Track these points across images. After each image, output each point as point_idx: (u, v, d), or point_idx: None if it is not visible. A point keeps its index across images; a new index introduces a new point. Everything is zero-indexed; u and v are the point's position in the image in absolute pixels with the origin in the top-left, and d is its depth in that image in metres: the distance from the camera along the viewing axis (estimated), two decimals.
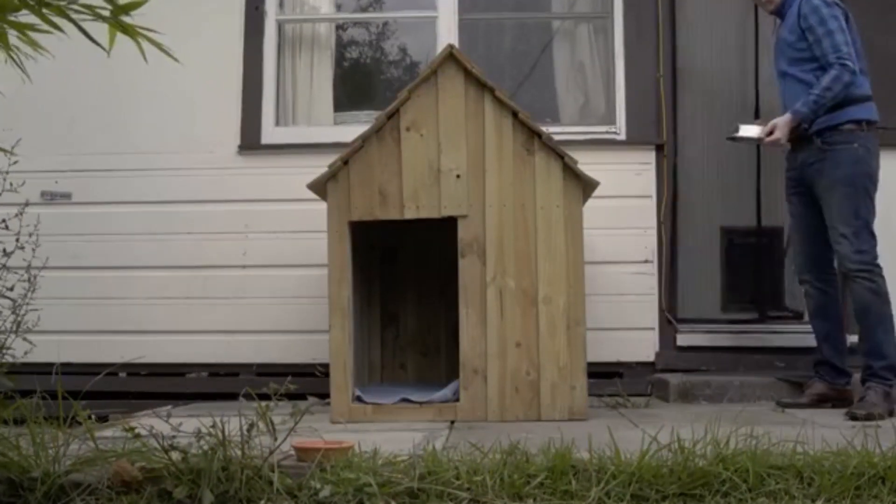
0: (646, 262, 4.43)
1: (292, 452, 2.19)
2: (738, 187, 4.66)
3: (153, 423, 2.15)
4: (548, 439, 2.34)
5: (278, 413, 2.15)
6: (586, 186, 3.55)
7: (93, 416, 2.33)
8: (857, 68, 3.61)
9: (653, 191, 4.46)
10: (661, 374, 4.28)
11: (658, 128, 4.49)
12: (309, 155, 4.31)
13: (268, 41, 4.63)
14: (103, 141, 4.52)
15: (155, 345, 4.36)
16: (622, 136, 4.53)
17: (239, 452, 2.06)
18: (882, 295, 3.57)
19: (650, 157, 4.49)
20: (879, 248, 4.55)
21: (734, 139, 3.88)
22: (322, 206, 3.62)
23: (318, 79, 4.79)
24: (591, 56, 4.76)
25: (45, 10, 1.91)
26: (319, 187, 3.58)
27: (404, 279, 4.35)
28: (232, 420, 2.09)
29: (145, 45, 2.04)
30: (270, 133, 4.59)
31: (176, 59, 2.13)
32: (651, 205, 4.46)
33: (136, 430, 2.13)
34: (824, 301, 3.79)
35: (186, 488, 2.00)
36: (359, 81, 5.26)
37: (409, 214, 3.52)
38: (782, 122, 3.69)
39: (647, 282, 4.42)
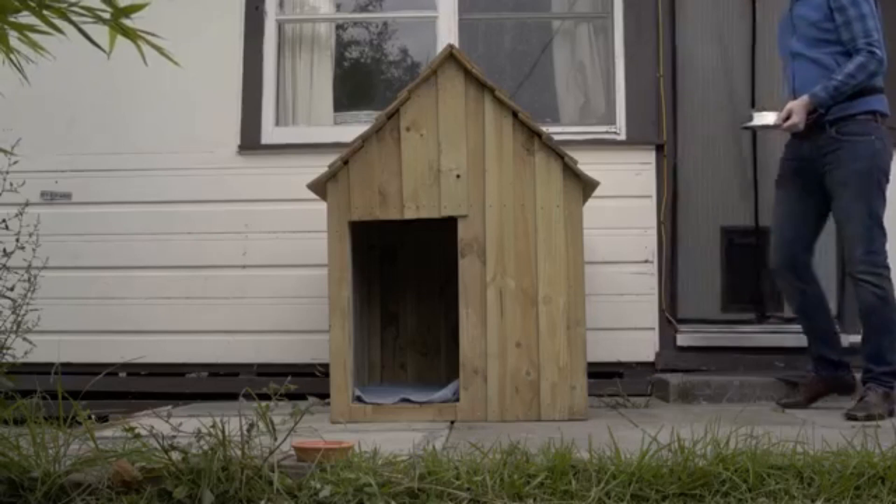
0: (646, 262, 4.43)
1: (292, 452, 2.19)
2: (738, 187, 4.66)
3: (153, 423, 2.15)
4: (548, 439, 2.34)
5: (278, 413, 2.15)
6: (586, 186, 3.55)
7: (93, 416, 2.33)
8: (884, 57, 3.46)
9: (653, 191, 4.46)
10: (661, 374, 4.28)
11: (658, 128, 4.49)
12: (309, 155, 4.31)
13: (268, 41, 4.63)
14: (103, 141, 4.52)
15: (155, 345, 4.36)
16: (622, 136, 4.53)
17: (239, 452, 2.06)
18: (889, 301, 3.47)
19: (650, 157, 4.49)
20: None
21: (749, 128, 3.80)
22: (322, 206, 3.62)
23: (318, 79, 4.79)
24: (591, 56, 4.76)
25: (45, 12, 1.91)
26: (319, 187, 3.58)
27: (404, 279, 4.35)
28: (232, 420, 2.09)
29: (145, 47, 2.04)
30: (270, 133, 4.59)
31: (176, 63, 2.13)
32: (651, 205, 4.46)
33: (136, 430, 2.13)
34: (804, 301, 3.69)
35: (186, 488, 2.00)
36: (359, 81, 5.26)
37: (409, 214, 3.52)
38: (799, 107, 3.50)
39: (646, 282, 4.42)
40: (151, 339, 4.39)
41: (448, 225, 3.55)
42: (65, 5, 1.91)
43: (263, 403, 2.12)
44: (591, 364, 3.56)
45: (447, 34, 4.56)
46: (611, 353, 4.30)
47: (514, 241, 3.49)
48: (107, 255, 4.48)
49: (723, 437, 2.22)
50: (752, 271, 4.69)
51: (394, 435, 2.93)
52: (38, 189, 4.37)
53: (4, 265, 3.20)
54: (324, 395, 3.55)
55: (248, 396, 2.43)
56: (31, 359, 3.23)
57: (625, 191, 4.38)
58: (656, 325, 4.43)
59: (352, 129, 4.22)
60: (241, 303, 4.44)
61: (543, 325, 3.45)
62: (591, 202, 3.69)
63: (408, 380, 4.27)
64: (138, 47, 2.03)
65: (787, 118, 3.50)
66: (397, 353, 4.36)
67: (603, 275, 4.31)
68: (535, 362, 3.44)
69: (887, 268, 3.48)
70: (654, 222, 4.45)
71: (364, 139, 3.53)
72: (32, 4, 1.89)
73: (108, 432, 2.57)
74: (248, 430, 2.08)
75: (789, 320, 4.53)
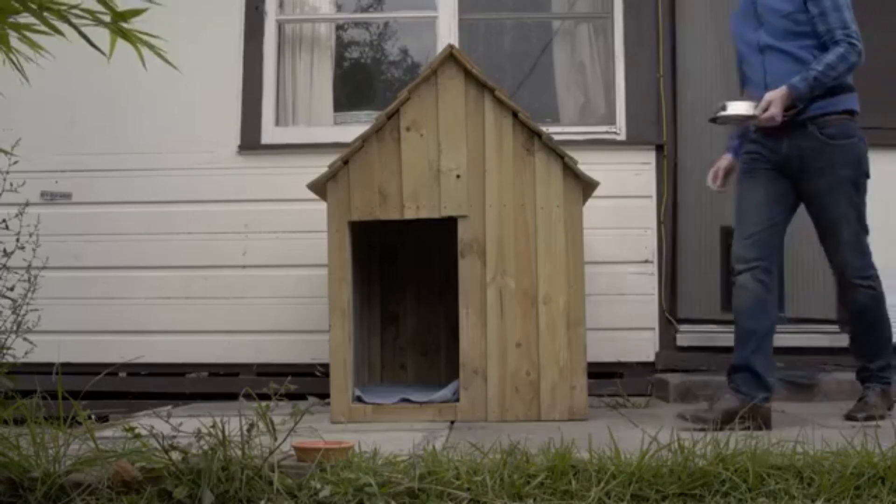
0: (646, 262, 4.43)
1: (292, 452, 2.19)
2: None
3: (153, 423, 2.15)
4: (548, 439, 2.34)
5: (278, 413, 2.15)
6: (586, 186, 3.55)
7: (93, 416, 2.33)
8: (863, 49, 3.28)
9: (653, 191, 4.47)
10: (661, 374, 4.28)
11: (658, 128, 4.50)
12: (309, 155, 4.31)
13: (268, 41, 4.63)
14: (103, 141, 4.52)
15: (155, 345, 4.36)
16: (622, 136, 4.53)
17: (239, 452, 2.06)
18: (881, 299, 3.44)
19: (650, 157, 4.49)
20: (879, 249, 4.55)
21: (720, 119, 3.42)
22: (322, 206, 3.62)
23: (318, 79, 4.79)
24: (591, 56, 4.76)
25: (45, 14, 1.91)
26: (319, 187, 3.58)
27: (404, 279, 4.35)
28: (232, 420, 2.09)
29: (145, 52, 2.04)
30: (270, 133, 4.59)
31: (175, 67, 2.13)
32: (651, 205, 4.46)
33: (136, 430, 2.13)
34: (763, 297, 3.29)
35: (186, 488, 2.00)
36: (359, 81, 5.26)
37: (409, 214, 3.52)
38: (778, 97, 3.23)
39: (647, 282, 4.42)
40: (151, 339, 4.39)
41: (448, 225, 3.55)
42: (64, 7, 1.91)
43: (263, 403, 2.12)
44: (591, 364, 3.56)
45: (447, 34, 4.56)
46: (611, 354, 4.29)
47: (514, 242, 3.49)
48: (107, 255, 4.48)
49: (723, 437, 2.22)
50: None
51: (394, 435, 2.93)
52: (38, 189, 4.37)
53: (4, 265, 3.20)
54: (324, 395, 3.55)
55: (248, 396, 2.43)
56: (32, 359, 3.23)
57: (625, 191, 4.39)
58: (656, 325, 4.43)
59: (352, 129, 4.22)
60: (241, 303, 4.44)
61: (543, 325, 3.45)
62: (591, 202, 3.69)
63: (408, 380, 4.27)
64: (138, 50, 2.03)
65: (766, 109, 3.24)
66: (397, 353, 4.36)
67: (603, 275, 4.31)
68: (535, 362, 3.44)
69: (875, 269, 3.45)
70: (654, 222, 4.45)
71: (364, 139, 3.53)
72: (33, 6, 1.90)
73: (108, 432, 2.57)
74: (248, 430, 2.08)
75: (789, 320, 4.53)
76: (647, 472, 2.06)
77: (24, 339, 3.18)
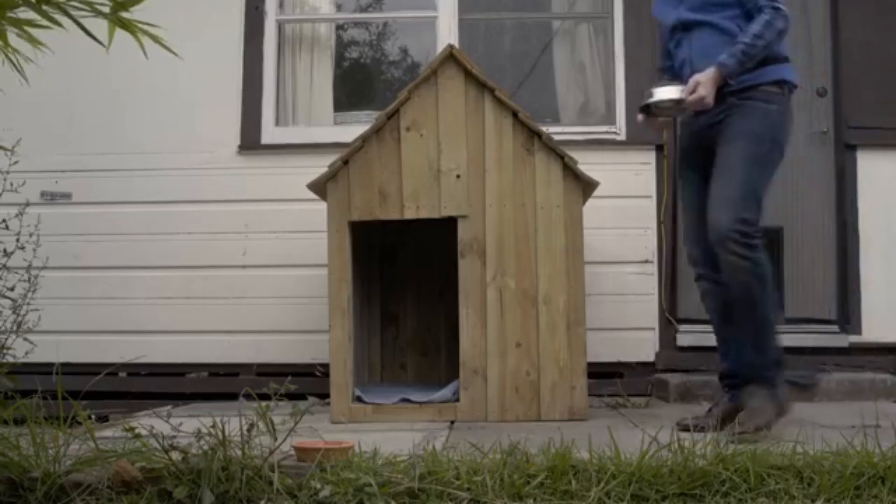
0: (646, 262, 4.43)
1: (292, 452, 2.19)
2: None
3: (153, 423, 2.15)
4: (548, 439, 2.34)
5: (278, 413, 2.15)
6: (586, 186, 3.55)
7: (93, 416, 2.33)
8: (788, 14, 3.01)
9: (653, 191, 4.46)
10: (661, 374, 4.28)
11: None
12: (309, 155, 4.31)
13: (268, 41, 4.63)
14: (103, 141, 4.52)
15: (155, 345, 4.36)
16: (622, 136, 4.53)
17: (239, 452, 2.06)
18: (762, 277, 2.94)
19: (650, 157, 4.48)
20: (879, 250, 4.56)
21: (649, 108, 3.18)
22: (322, 206, 3.62)
23: (318, 79, 4.79)
24: (591, 56, 4.76)
25: (44, 7, 1.91)
26: (319, 187, 3.58)
27: (404, 279, 4.35)
28: (232, 420, 2.09)
29: (146, 43, 2.04)
30: (270, 133, 4.59)
31: (176, 54, 2.13)
32: (651, 205, 4.46)
33: (136, 430, 2.13)
34: (726, 298, 3.11)
35: (186, 488, 2.00)
36: (359, 81, 5.26)
37: (409, 214, 3.52)
38: (706, 77, 3.00)
39: (647, 282, 4.42)
40: (151, 339, 4.39)
41: (448, 225, 3.55)
42: (63, 0, 1.91)
43: (263, 403, 2.12)
44: (591, 364, 3.56)
45: (447, 34, 4.56)
46: (611, 354, 4.29)
47: (514, 241, 3.49)
48: (107, 255, 4.48)
49: (723, 437, 2.22)
50: None
51: (394, 435, 2.93)
52: (39, 189, 4.37)
53: (4, 265, 3.20)
54: (324, 395, 3.55)
55: (248, 396, 2.43)
56: (32, 359, 3.23)
57: (625, 191, 4.38)
58: (656, 325, 4.43)
59: (352, 129, 4.22)
60: (241, 303, 4.44)
61: (543, 325, 3.45)
62: (591, 202, 3.69)
63: (408, 380, 4.27)
64: (138, 39, 2.03)
65: (693, 92, 3.01)
66: (397, 353, 4.36)
67: (603, 275, 4.31)
68: (535, 362, 3.44)
69: (759, 239, 2.97)
70: (654, 222, 4.45)
71: (364, 139, 3.53)
72: (32, 0, 1.90)
73: (108, 432, 2.57)
74: (248, 430, 2.08)
75: (789, 320, 4.53)
76: (647, 472, 2.06)
77: (25, 339, 3.18)
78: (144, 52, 2.08)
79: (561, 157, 3.50)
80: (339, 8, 5.03)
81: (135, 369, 4.27)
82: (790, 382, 3.96)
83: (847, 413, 3.36)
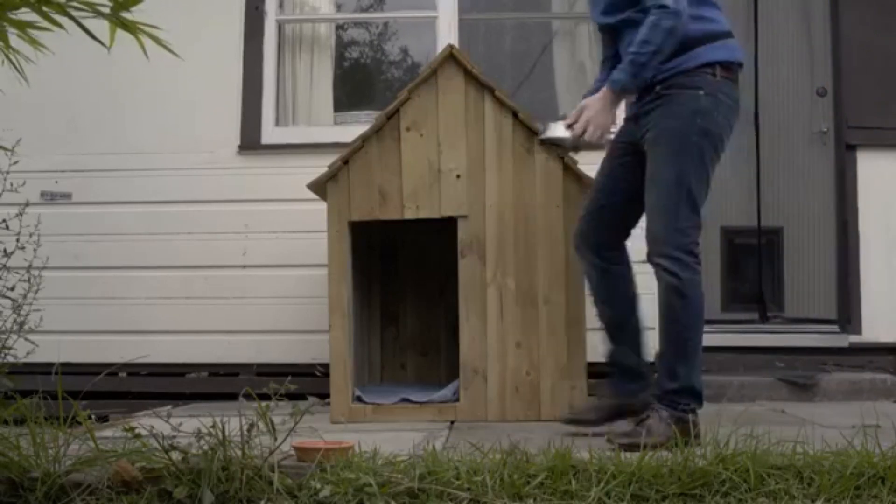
0: (644, 261, 4.41)
1: (292, 452, 2.19)
2: (738, 187, 4.67)
3: (153, 423, 2.15)
4: (548, 439, 2.34)
5: (278, 413, 2.15)
6: (586, 186, 3.54)
7: (93, 416, 2.33)
8: (681, 6, 2.71)
9: None
10: None
11: None
12: (309, 155, 4.30)
13: (268, 41, 4.62)
14: (103, 141, 4.52)
15: (155, 345, 4.35)
16: None
17: (239, 452, 2.06)
18: (688, 296, 2.74)
19: None
20: (879, 250, 4.56)
21: (546, 143, 3.09)
22: (322, 206, 3.62)
23: (318, 79, 4.79)
24: (591, 56, 4.76)
25: (45, 8, 1.91)
26: (319, 187, 3.58)
27: (404, 279, 4.35)
28: (232, 420, 2.09)
29: (146, 43, 2.05)
30: (270, 133, 4.59)
31: (176, 55, 2.13)
32: None
33: (136, 430, 2.13)
34: (605, 281, 3.01)
35: (186, 488, 2.00)
36: (359, 81, 5.26)
37: (409, 215, 3.52)
38: (594, 100, 2.82)
39: (646, 282, 4.40)
40: (152, 339, 4.39)
41: (448, 225, 3.55)
42: (64, 0, 1.91)
43: (263, 403, 2.12)
44: (590, 364, 3.56)
45: (447, 34, 4.55)
46: None
47: (513, 241, 3.49)
48: (107, 255, 4.48)
49: (723, 437, 2.22)
50: (752, 271, 4.69)
51: (394, 435, 2.93)
52: (39, 189, 4.37)
53: (5, 265, 3.20)
54: (324, 395, 3.55)
55: (248, 396, 2.43)
56: (32, 359, 3.23)
57: None
58: (656, 324, 4.41)
59: (352, 129, 4.22)
60: (241, 303, 4.44)
61: (543, 325, 3.45)
62: None
63: (408, 380, 4.27)
64: (139, 40, 2.03)
65: (581, 122, 2.84)
66: (397, 353, 4.36)
67: None
68: (535, 362, 3.44)
69: (693, 255, 2.75)
70: None
71: (364, 139, 3.53)
72: (33, 0, 1.90)
73: (108, 432, 2.57)
74: (248, 430, 2.08)
75: (790, 321, 4.54)
76: (647, 471, 2.06)
77: (26, 340, 3.18)
78: (145, 53, 2.08)
79: (561, 157, 3.50)
80: (339, 8, 5.03)
81: (135, 369, 4.27)
82: (790, 382, 3.98)
83: (847, 413, 3.35)
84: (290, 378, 2.25)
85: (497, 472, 2.06)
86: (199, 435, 2.06)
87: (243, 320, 4.42)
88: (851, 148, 4.54)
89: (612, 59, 3.08)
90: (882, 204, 4.51)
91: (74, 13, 1.92)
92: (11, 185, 3.26)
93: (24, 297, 3.23)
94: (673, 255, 2.73)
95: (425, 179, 3.52)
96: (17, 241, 3.29)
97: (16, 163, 3.17)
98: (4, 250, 3.21)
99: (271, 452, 2.09)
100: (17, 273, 3.27)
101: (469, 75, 3.54)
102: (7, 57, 2.09)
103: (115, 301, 4.45)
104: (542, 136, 3.03)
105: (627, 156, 2.93)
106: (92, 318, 4.42)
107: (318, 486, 2.01)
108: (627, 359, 3.03)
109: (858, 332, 4.46)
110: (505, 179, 3.51)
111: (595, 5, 3.04)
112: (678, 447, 2.19)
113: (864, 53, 4.54)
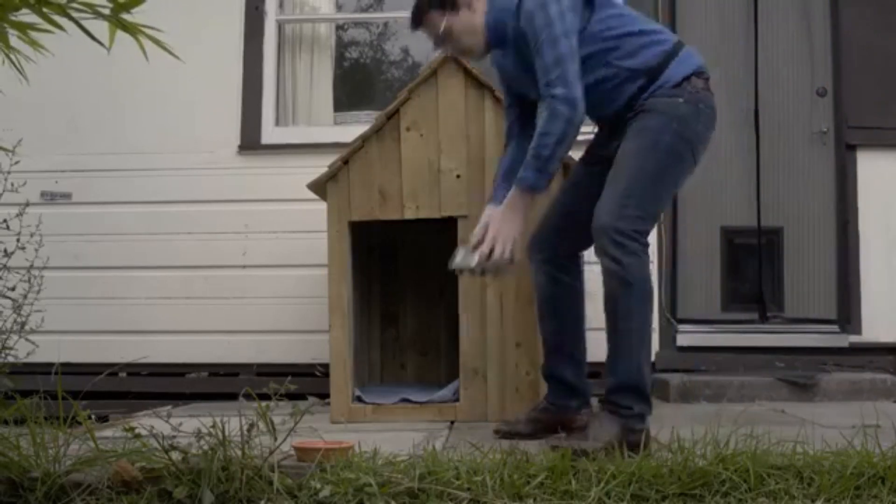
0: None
1: (292, 452, 2.19)
2: (738, 187, 4.66)
3: (153, 423, 2.15)
4: (547, 439, 2.34)
5: (278, 413, 2.15)
6: None
7: (93, 416, 2.33)
8: (572, 93, 2.57)
9: None
10: (661, 374, 4.27)
11: None
12: (309, 155, 4.31)
13: (268, 41, 4.63)
14: (103, 141, 4.52)
15: (155, 345, 4.36)
16: None
17: (239, 452, 2.06)
18: (633, 285, 2.52)
19: None
20: (879, 250, 4.56)
21: (458, 271, 2.86)
22: (322, 206, 3.62)
23: (318, 79, 4.79)
24: None
25: (45, 9, 1.92)
26: (319, 187, 3.58)
27: (404, 279, 4.35)
28: (232, 420, 2.09)
29: (147, 44, 2.05)
30: (270, 133, 4.59)
31: (177, 57, 2.13)
32: None
33: (136, 430, 2.13)
34: (553, 292, 2.87)
35: (186, 488, 2.00)
36: (359, 81, 5.26)
37: (409, 215, 3.52)
38: (497, 214, 2.68)
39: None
40: (152, 339, 4.39)
41: (448, 225, 3.54)
42: (64, 1, 1.91)
43: (263, 403, 2.12)
44: (590, 364, 3.55)
45: None
46: None
47: None
48: (107, 255, 4.48)
49: (723, 437, 2.22)
50: (752, 271, 4.69)
51: (394, 435, 2.93)
52: (39, 189, 4.38)
53: (5, 265, 3.20)
54: (324, 395, 3.55)
55: (248, 396, 2.43)
56: (32, 359, 3.23)
57: None
58: (656, 324, 4.42)
59: (352, 129, 4.22)
60: (241, 303, 4.44)
61: None
62: None
63: (408, 380, 4.27)
64: (139, 42, 2.03)
65: (486, 243, 2.67)
66: (397, 353, 4.36)
67: None
68: (535, 362, 3.43)
69: (638, 241, 2.55)
70: None
71: (364, 139, 3.53)
72: (32, 1, 1.90)
73: (108, 432, 2.58)
74: (248, 430, 2.08)
75: (790, 321, 4.54)
76: (648, 471, 2.06)
77: (27, 340, 3.18)
78: (145, 54, 2.08)
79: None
80: (339, 8, 5.03)
81: (135, 369, 4.27)
82: (790, 382, 3.98)
83: (847, 413, 3.35)
84: (290, 378, 2.25)
85: (497, 472, 2.06)
86: (199, 435, 2.06)
87: (243, 320, 4.43)
88: (851, 148, 4.54)
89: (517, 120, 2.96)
90: (882, 204, 4.51)
91: (74, 14, 1.92)
92: (12, 185, 3.26)
93: (25, 297, 3.23)
94: (615, 239, 2.51)
95: (425, 179, 3.52)
96: (18, 241, 3.29)
97: (16, 163, 3.17)
98: (5, 250, 3.21)
99: (271, 452, 2.09)
100: (17, 273, 3.27)
101: (469, 75, 3.53)
102: (7, 57, 2.09)
103: (116, 301, 4.45)
104: (450, 266, 2.79)
105: (599, 164, 2.76)
106: (92, 318, 4.42)
107: (318, 486, 2.01)
108: (566, 374, 2.91)
109: (858, 332, 4.46)
110: None
111: (519, 86, 2.90)
112: (617, 457, 2.16)
113: (864, 53, 4.54)
